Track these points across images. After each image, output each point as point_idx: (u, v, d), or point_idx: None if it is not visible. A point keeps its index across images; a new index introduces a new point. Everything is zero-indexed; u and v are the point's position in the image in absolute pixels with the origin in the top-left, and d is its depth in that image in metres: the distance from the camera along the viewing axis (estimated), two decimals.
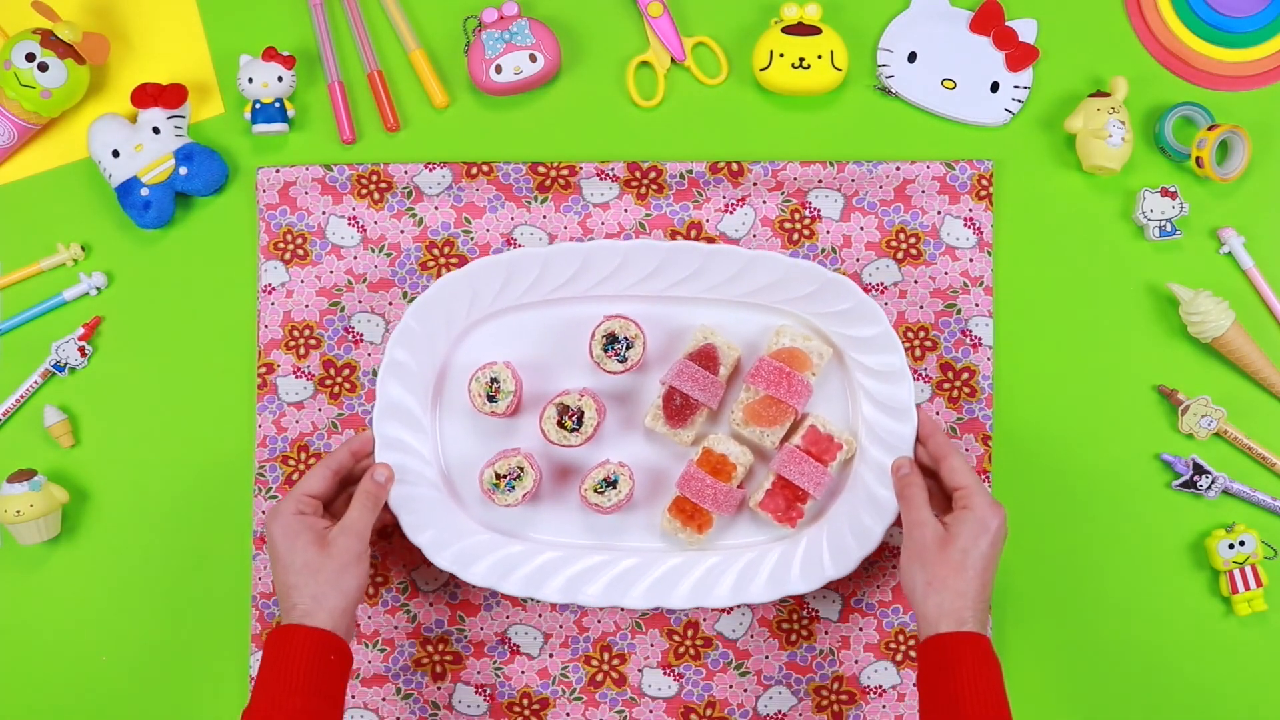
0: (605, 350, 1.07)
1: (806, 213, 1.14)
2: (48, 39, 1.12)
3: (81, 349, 1.14)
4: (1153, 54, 1.16)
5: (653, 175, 1.13)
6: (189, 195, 1.15)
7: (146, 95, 1.13)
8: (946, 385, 1.13)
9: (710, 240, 1.13)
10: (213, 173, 1.14)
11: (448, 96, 1.17)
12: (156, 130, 1.13)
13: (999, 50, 1.15)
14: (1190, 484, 1.12)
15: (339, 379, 1.14)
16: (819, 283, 1.07)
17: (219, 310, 1.15)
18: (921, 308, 1.13)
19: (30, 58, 1.11)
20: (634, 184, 1.14)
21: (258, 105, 1.14)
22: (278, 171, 1.14)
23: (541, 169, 1.13)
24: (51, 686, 1.14)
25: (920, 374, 1.13)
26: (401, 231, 1.14)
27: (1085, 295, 1.15)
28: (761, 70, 1.14)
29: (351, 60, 1.17)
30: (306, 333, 1.14)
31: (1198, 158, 1.12)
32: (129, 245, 1.16)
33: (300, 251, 1.14)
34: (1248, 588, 1.11)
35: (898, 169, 1.13)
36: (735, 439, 1.08)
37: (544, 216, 1.14)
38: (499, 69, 1.13)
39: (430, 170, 1.13)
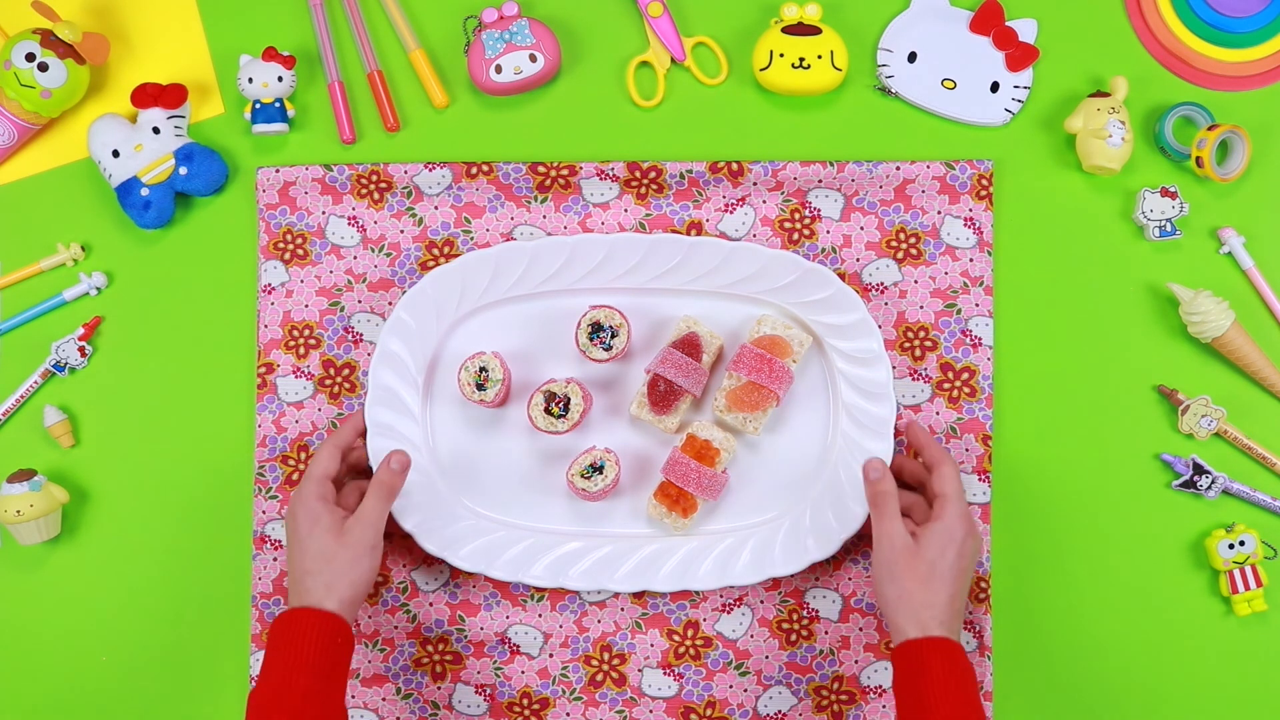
0: (591, 339, 1.08)
1: (806, 212, 1.14)
2: (48, 39, 1.12)
3: (81, 349, 1.14)
4: (1153, 54, 1.16)
5: (653, 175, 1.13)
6: (189, 195, 1.15)
7: (146, 95, 1.13)
8: (946, 385, 1.13)
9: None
10: (213, 173, 1.14)
11: (448, 96, 1.17)
12: (156, 130, 1.13)
13: (999, 50, 1.15)
14: (1190, 484, 1.12)
15: (339, 379, 1.14)
16: (798, 272, 1.09)
17: (219, 310, 1.15)
18: (921, 308, 1.13)
19: (30, 58, 1.11)
20: (634, 184, 1.14)
21: (258, 105, 1.14)
22: (278, 171, 1.14)
23: (541, 169, 1.13)
24: (51, 687, 1.14)
25: (920, 374, 1.13)
26: (401, 231, 1.14)
27: (1085, 295, 1.14)
28: (761, 70, 1.14)
29: (351, 60, 1.17)
30: (306, 333, 1.14)
31: (1198, 158, 1.12)
32: (129, 245, 1.16)
33: (300, 251, 1.14)
34: (1248, 588, 1.11)
35: (898, 169, 1.13)
36: (719, 425, 1.10)
37: (544, 216, 1.14)
38: (499, 69, 1.13)
39: (430, 170, 1.13)
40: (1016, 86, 1.15)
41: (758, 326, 1.09)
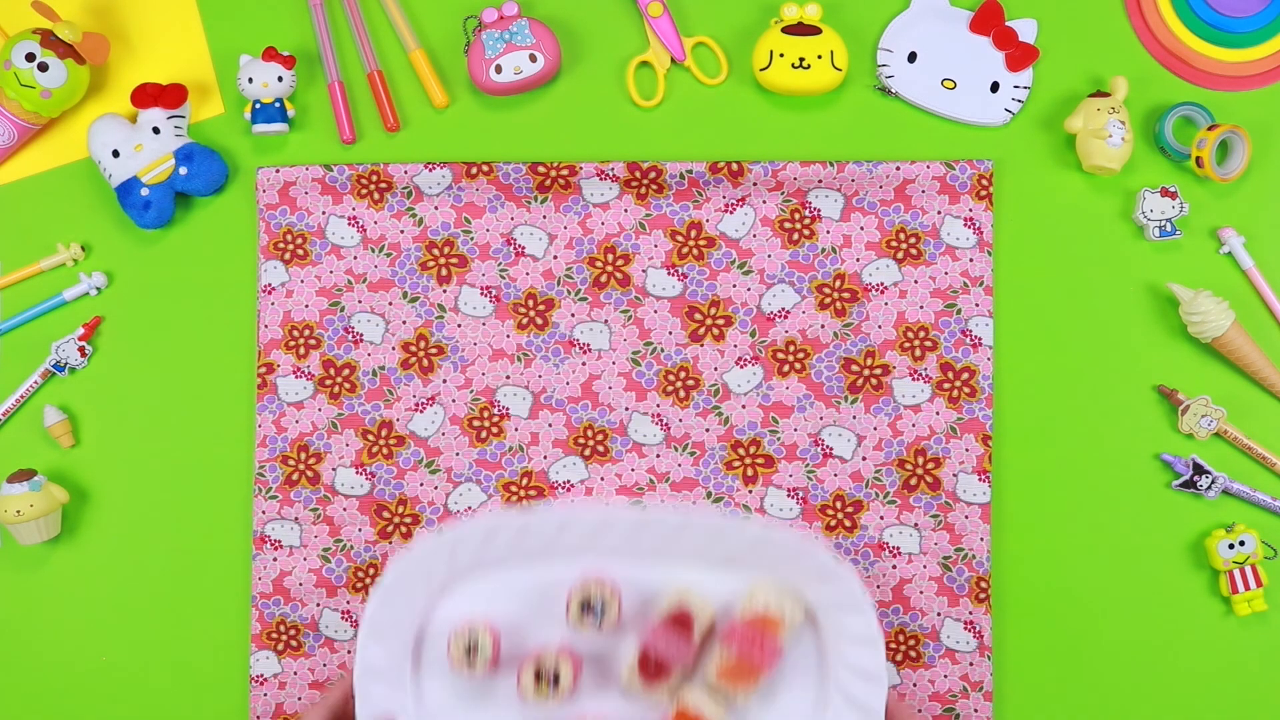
0: (581, 614, 1.05)
1: (806, 212, 1.14)
2: (48, 39, 1.12)
3: (81, 349, 1.15)
4: (1153, 54, 1.17)
5: (653, 175, 1.13)
6: (189, 195, 1.15)
7: (146, 95, 1.13)
8: (946, 385, 1.13)
9: (710, 241, 1.14)
10: (213, 173, 1.14)
11: (448, 96, 1.17)
12: (156, 130, 1.13)
13: (999, 50, 1.15)
14: (1190, 484, 1.13)
15: (339, 379, 1.14)
16: (788, 549, 1.05)
17: (219, 310, 1.15)
18: (921, 308, 1.13)
19: (30, 58, 1.11)
20: (634, 184, 1.14)
21: (258, 105, 1.14)
22: (278, 171, 1.14)
23: (541, 169, 1.13)
24: (52, 686, 1.14)
25: (920, 374, 1.13)
26: (401, 231, 1.14)
27: (1085, 295, 1.15)
28: (761, 70, 1.14)
29: (351, 60, 1.17)
30: (306, 333, 1.14)
31: (1198, 158, 1.12)
32: (129, 245, 1.16)
33: (300, 251, 1.14)
34: (1248, 588, 1.11)
35: (898, 169, 1.13)
36: (709, 696, 1.05)
37: (544, 216, 1.14)
38: (499, 69, 1.13)
39: (430, 170, 1.13)
40: (1016, 86, 1.15)
41: (750, 600, 1.05)
